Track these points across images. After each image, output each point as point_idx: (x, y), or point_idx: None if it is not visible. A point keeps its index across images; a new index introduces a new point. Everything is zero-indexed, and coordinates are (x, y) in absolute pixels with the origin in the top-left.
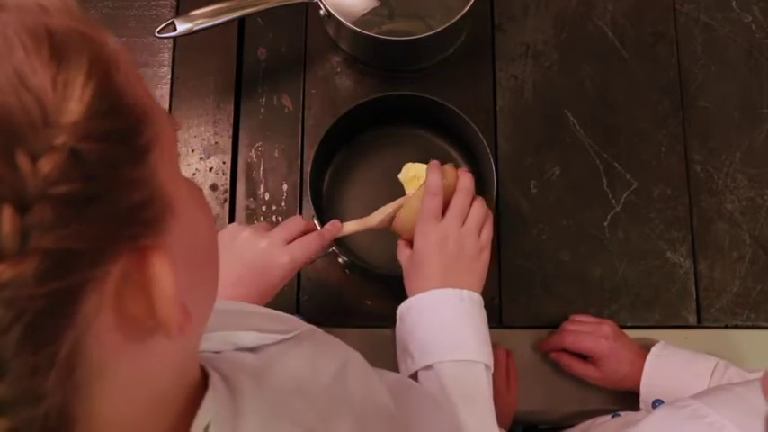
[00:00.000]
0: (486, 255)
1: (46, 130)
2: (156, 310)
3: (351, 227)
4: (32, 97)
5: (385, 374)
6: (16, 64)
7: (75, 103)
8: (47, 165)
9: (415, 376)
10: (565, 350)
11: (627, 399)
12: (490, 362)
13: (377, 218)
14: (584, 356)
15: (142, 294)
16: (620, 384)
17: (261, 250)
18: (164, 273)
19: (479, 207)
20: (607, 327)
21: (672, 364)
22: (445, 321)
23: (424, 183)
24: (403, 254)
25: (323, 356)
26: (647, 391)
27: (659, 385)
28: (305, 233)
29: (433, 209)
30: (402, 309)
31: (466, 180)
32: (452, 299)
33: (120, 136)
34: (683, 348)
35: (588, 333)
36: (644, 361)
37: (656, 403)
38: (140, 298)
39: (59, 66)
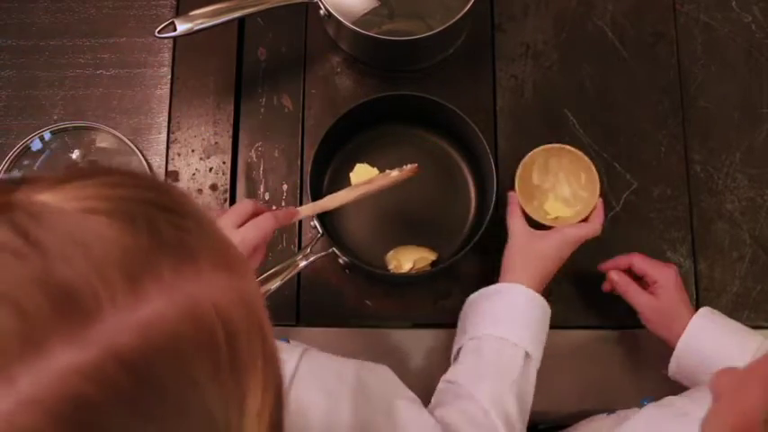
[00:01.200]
0: None
1: None
2: None
3: (306, 210)
4: None
5: (343, 367)
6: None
7: None
8: None
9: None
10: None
11: (625, 398)
12: (535, 354)
13: (328, 202)
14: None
15: None
16: (663, 328)
17: None
18: None
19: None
20: (675, 267)
21: (720, 327)
22: (514, 309)
23: (593, 212)
24: (519, 222)
25: None
26: (683, 348)
27: (697, 347)
28: (255, 215)
29: (583, 239)
30: (489, 290)
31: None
32: (541, 305)
33: None
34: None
35: (657, 261)
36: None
37: (644, 402)
38: None
39: (241, 404)
